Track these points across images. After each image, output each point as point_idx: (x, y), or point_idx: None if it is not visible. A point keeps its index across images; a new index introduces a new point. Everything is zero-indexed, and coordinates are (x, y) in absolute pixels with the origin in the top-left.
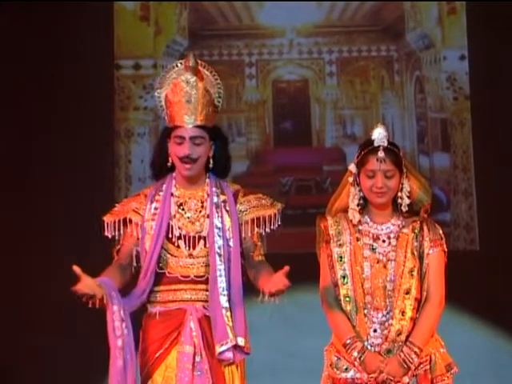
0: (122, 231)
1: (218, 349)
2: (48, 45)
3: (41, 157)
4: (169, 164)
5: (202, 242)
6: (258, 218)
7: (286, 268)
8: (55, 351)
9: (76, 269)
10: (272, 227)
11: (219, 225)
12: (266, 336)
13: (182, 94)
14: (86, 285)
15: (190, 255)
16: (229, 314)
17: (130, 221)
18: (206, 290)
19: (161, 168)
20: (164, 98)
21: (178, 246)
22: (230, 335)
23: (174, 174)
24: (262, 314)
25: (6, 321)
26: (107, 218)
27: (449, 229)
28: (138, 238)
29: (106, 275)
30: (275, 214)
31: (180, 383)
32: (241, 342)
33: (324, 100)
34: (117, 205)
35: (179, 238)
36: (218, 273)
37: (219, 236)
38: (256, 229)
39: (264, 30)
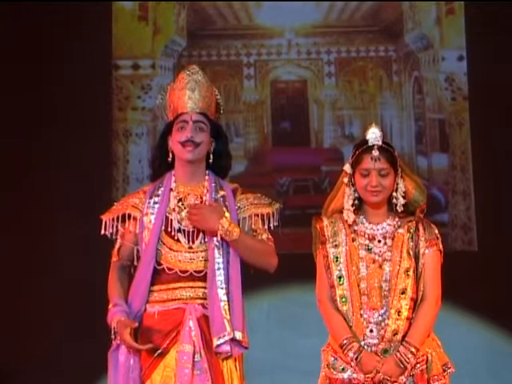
0: (120, 228)
1: (216, 342)
2: (46, 44)
3: (39, 156)
4: (169, 159)
5: (201, 235)
6: (257, 215)
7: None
8: (55, 352)
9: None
10: (270, 226)
11: None
12: (263, 335)
13: (186, 82)
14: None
15: (190, 248)
16: (227, 307)
17: (129, 216)
18: (205, 288)
19: (160, 166)
20: (168, 97)
21: (178, 240)
22: (228, 328)
23: (173, 172)
24: (260, 314)
25: (6, 321)
26: (105, 217)
27: (447, 229)
28: (136, 235)
29: (119, 292)
30: (273, 213)
31: (179, 382)
32: (238, 336)
33: (322, 100)
34: (115, 204)
35: (178, 231)
36: (217, 266)
37: None
38: (255, 225)
39: (262, 31)
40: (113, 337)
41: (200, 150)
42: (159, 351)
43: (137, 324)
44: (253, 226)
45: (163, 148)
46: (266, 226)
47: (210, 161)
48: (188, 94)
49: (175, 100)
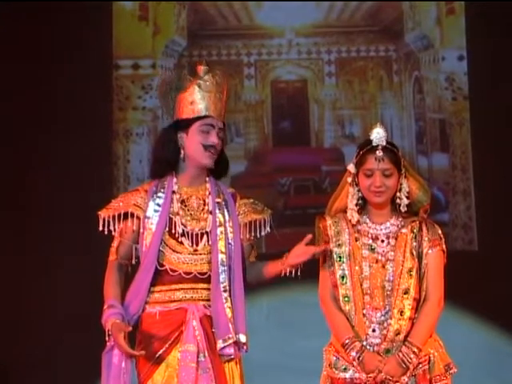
0: (120, 226)
1: (221, 344)
2: (47, 44)
3: (39, 156)
4: (181, 156)
5: (205, 238)
6: (253, 222)
7: (309, 236)
8: (55, 352)
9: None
10: (264, 232)
11: (221, 222)
12: (263, 336)
13: (214, 86)
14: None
15: (195, 251)
16: (229, 309)
17: (132, 214)
18: (207, 289)
19: (168, 162)
20: (188, 90)
21: (181, 243)
22: (232, 331)
23: (173, 173)
24: (259, 315)
25: (5, 321)
26: (104, 213)
27: (447, 229)
28: (138, 233)
29: (114, 292)
30: (266, 219)
31: (183, 382)
32: (243, 338)
33: (323, 100)
34: (113, 200)
35: (182, 234)
36: (221, 269)
37: (221, 232)
38: (252, 232)
39: (263, 30)
40: (107, 339)
41: (216, 157)
42: (159, 353)
43: (131, 328)
44: (251, 242)
45: (174, 144)
46: (260, 233)
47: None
48: (216, 100)
49: (198, 99)
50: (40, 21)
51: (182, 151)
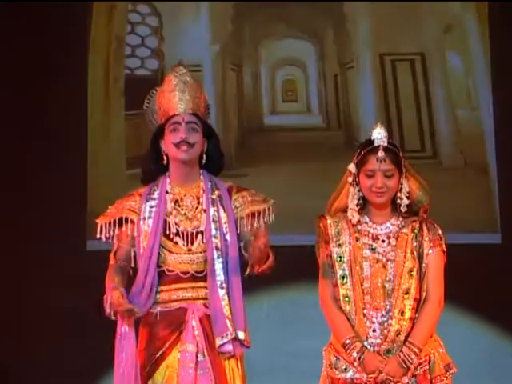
0: (116, 231)
1: (219, 341)
2: (46, 44)
3: (37, 156)
4: (164, 162)
5: (199, 237)
6: (253, 214)
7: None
8: (55, 352)
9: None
10: (265, 221)
11: (216, 219)
12: (263, 335)
13: (175, 83)
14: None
15: (189, 250)
16: (228, 307)
17: (127, 219)
18: (206, 288)
19: (153, 170)
20: (157, 100)
21: (176, 243)
22: (230, 328)
23: (167, 174)
24: (259, 313)
25: (6, 321)
26: (101, 220)
27: None
28: (134, 238)
29: (118, 281)
30: (269, 209)
31: (183, 382)
32: (241, 335)
33: None
34: (110, 207)
35: (177, 234)
36: (216, 266)
37: (216, 230)
38: (254, 223)
39: None
40: (110, 312)
41: (194, 150)
42: (159, 353)
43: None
44: (254, 229)
45: (155, 151)
46: (263, 223)
47: (204, 161)
48: (178, 96)
49: (165, 102)
50: (39, 21)
51: (165, 157)
